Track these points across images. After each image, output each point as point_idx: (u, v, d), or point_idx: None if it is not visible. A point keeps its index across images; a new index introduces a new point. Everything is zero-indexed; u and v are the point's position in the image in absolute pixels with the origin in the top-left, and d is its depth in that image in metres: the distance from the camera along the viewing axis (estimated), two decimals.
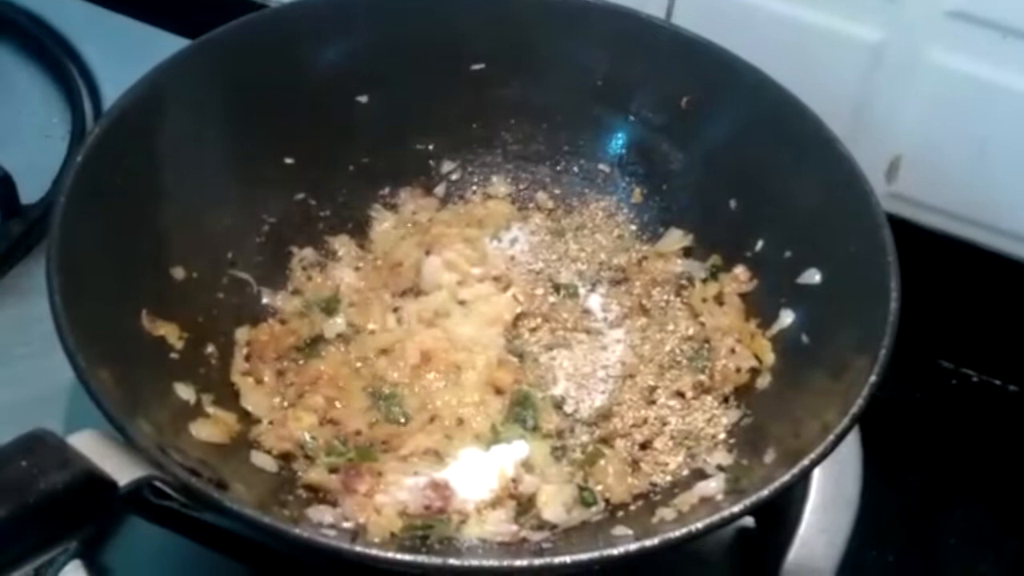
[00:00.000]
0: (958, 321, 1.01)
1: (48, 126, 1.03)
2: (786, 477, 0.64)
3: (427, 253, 0.87)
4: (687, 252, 0.88)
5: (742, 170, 0.85)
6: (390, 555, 0.62)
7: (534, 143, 0.92)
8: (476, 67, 0.90)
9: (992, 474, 0.95)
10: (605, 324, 0.85)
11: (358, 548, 0.64)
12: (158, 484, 0.63)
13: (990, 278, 1.00)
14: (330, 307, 0.84)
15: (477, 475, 0.75)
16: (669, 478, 0.75)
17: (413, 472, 0.75)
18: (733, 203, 0.85)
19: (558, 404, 0.80)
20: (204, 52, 0.83)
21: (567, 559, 0.62)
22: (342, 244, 0.87)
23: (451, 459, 0.76)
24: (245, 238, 0.84)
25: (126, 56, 0.99)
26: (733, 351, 0.81)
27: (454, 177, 0.92)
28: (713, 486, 0.71)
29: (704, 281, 0.86)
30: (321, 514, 0.71)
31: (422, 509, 0.73)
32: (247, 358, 0.79)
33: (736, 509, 0.63)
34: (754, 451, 0.72)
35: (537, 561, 0.66)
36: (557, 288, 0.86)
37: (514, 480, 0.75)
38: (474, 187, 0.92)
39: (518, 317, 0.84)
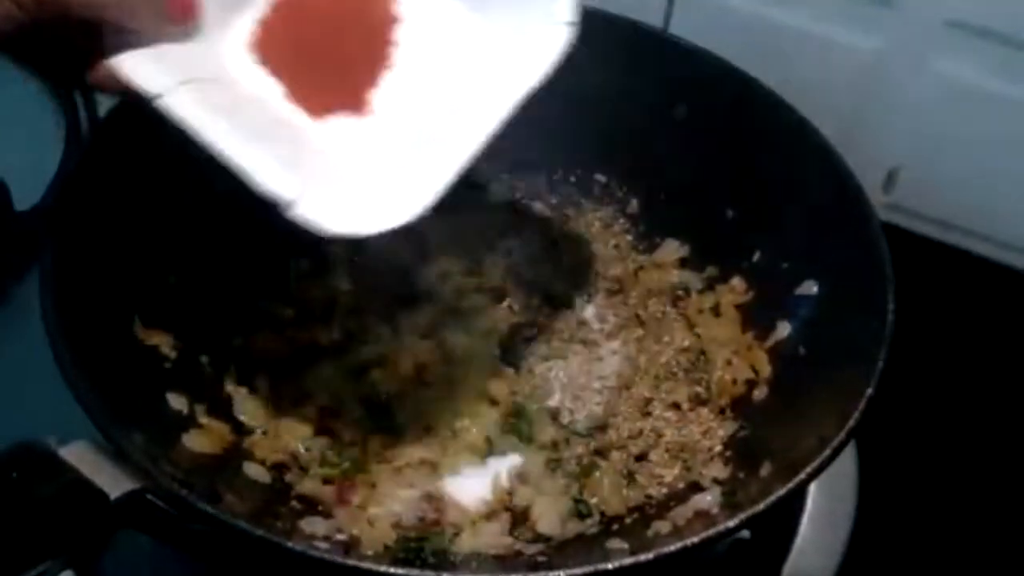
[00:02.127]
0: (956, 332, 1.00)
1: (43, 133, 1.02)
2: (782, 491, 0.64)
3: (423, 263, 0.86)
4: (683, 263, 0.87)
5: (739, 180, 0.85)
6: (383, 568, 0.62)
7: (530, 152, 0.92)
8: None
9: (991, 486, 0.95)
10: (601, 335, 0.85)
11: (351, 561, 0.64)
12: (150, 496, 0.63)
13: (989, 289, 0.99)
14: (325, 317, 0.83)
15: (471, 487, 0.75)
16: (665, 491, 0.75)
17: (407, 484, 0.74)
18: (730, 213, 0.85)
19: (553, 415, 0.80)
20: None
21: (561, 573, 0.62)
22: (338, 253, 0.87)
23: (445, 471, 0.75)
24: (241, 246, 0.83)
25: None
26: (729, 363, 0.80)
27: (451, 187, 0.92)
28: (709, 499, 0.71)
29: (701, 292, 0.85)
30: (314, 526, 0.70)
31: (416, 521, 0.72)
32: (241, 368, 0.79)
33: (732, 524, 0.63)
34: (750, 464, 0.72)
35: (531, 575, 0.66)
36: (553, 299, 0.86)
37: (509, 492, 0.75)
38: (471, 197, 0.92)
39: (514, 328, 0.84)
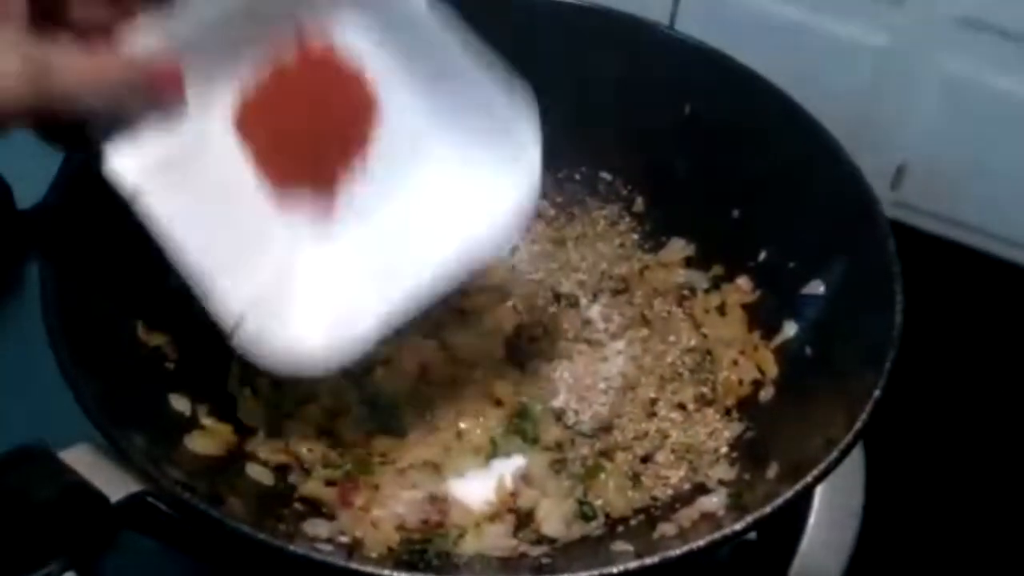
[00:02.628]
0: (964, 330, 1.00)
1: None
2: (789, 494, 0.64)
3: None
4: (689, 262, 0.87)
5: (745, 179, 0.84)
6: (387, 572, 0.62)
7: None
8: None
9: (1000, 487, 0.94)
10: (606, 335, 0.84)
11: (354, 565, 0.63)
12: (151, 499, 0.63)
13: (998, 287, 0.99)
14: None
15: (476, 488, 0.74)
16: (670, 492, 0.74)
17: (411, 485, 0.74)
18: (736, 212, 0.85)
19: (558, 416, 0.79)
20: None
21: None
22: None
23: (449, 472, 0.75)
24: None
25: None
26: (735, 363, 0.80)
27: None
28: (715, 501, 0.70)
29: (706, 292, 0.85)
30: (317, 528, 0.70)
31: (419, 523, 0.72)
32: (243, 368, 0.78)
33: (738, 527, 0.62)
34: (756, 465, 0.72)
35: None
36: (558, 298, 0.86)
37: (513, 494, 0.74)
38: None
39: (518, 328, 0.83)
